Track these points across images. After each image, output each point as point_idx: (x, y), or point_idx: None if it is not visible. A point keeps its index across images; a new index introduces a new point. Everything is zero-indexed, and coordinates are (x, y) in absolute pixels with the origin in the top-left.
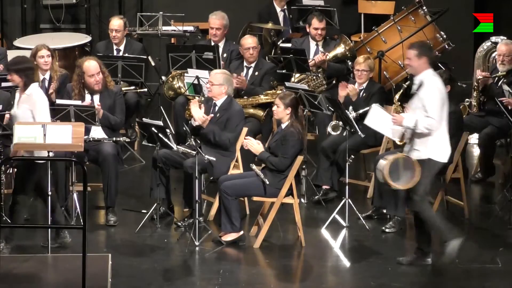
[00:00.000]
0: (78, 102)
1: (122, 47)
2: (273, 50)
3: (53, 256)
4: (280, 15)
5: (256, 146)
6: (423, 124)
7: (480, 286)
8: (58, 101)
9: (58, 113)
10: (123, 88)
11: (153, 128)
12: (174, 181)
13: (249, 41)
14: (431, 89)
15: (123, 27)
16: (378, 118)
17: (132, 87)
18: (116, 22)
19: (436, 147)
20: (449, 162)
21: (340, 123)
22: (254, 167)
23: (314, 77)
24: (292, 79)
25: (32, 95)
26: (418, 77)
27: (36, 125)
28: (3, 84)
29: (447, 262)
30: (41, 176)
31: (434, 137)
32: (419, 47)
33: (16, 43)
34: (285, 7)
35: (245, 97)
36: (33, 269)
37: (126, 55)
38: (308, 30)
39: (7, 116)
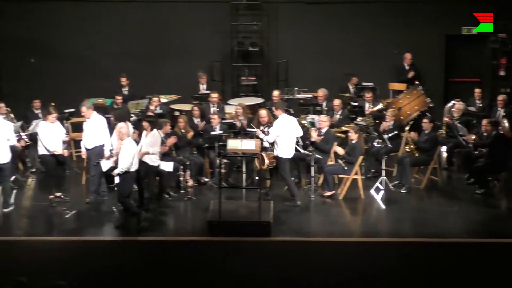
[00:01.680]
0: (256, 129)
1: (278, 100)
2: (348, 106)
3: (246, 201)
4: (352, 90)
5: (340, 150)
6: (265, 139)
7: (445, 217)
8: (248, 129)
9: (248, 134)
10: None
11: None
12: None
13: (336, 102)
14: (276, 124)
15: (278, 95)
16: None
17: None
18: (276, 93)
19: (281, 150)
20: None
21: (380, 140)
22: (340, 161)
23: (368, 119)
24: (358, 120)
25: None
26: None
27: (238, 140)
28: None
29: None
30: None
31: (280, 145)
32: (276, 104)
33: (229, 101)
34: (354, 86)
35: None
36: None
37: None
38: (363, 97)
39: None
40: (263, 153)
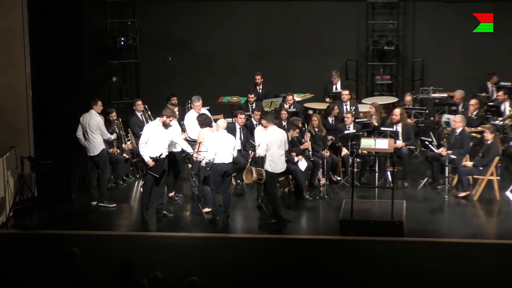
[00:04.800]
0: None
1: (410, 105)
2: (484, 106)
3: (378, 201)
4: (490, 89)
5: (470, 164)
6: (257, 152)
7: None
8: (382, 128)
9: (382, 134)
10: (411, 121)
11: (425, 142)
12: None
13: (472, 101)
14: (264, 136)
15: (411, 98)
16: None
17: (414, 120)
18: (408, 98)
19: (268, 165)
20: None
21: None
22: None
23: (506, 121)
24: (495, 120)
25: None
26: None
27: (371, 139)
28: None
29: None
30: None
31: (267, 160)
32: (266, 116)
33: (363, 100)
34: (493, 85)
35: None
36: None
37: (412, 106)
38: (497, 97)
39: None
40: (252, 167)
